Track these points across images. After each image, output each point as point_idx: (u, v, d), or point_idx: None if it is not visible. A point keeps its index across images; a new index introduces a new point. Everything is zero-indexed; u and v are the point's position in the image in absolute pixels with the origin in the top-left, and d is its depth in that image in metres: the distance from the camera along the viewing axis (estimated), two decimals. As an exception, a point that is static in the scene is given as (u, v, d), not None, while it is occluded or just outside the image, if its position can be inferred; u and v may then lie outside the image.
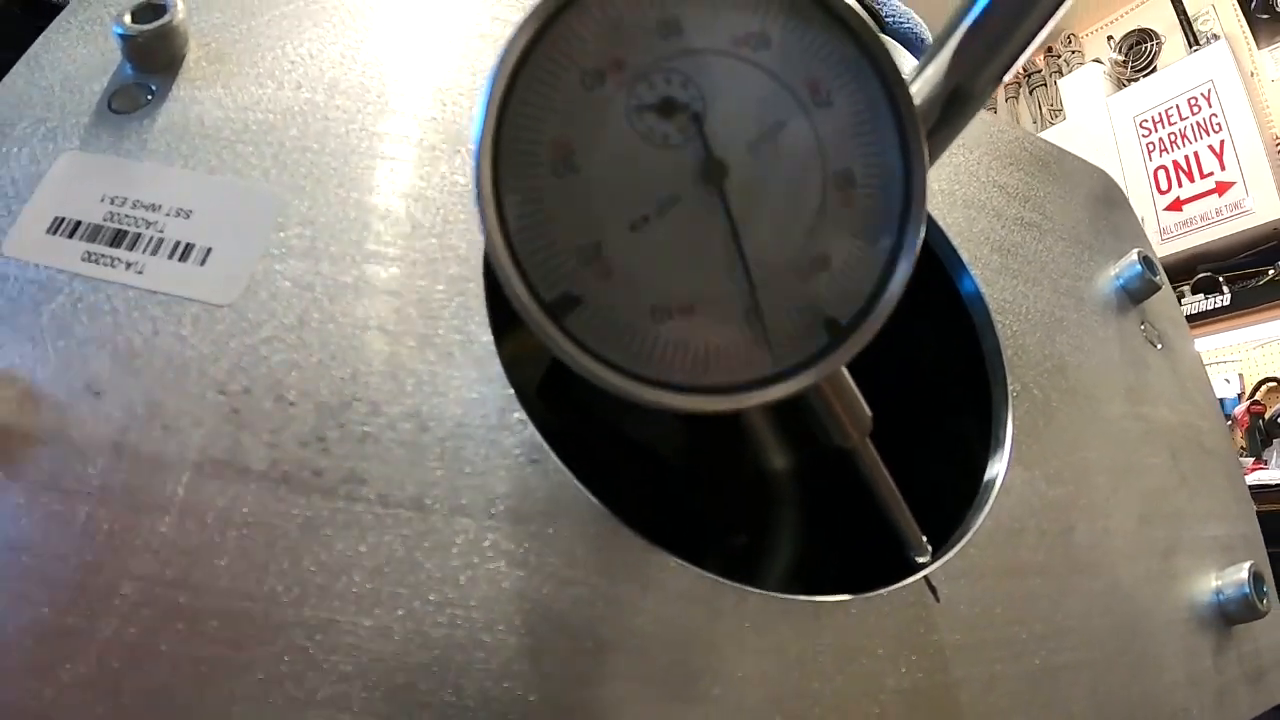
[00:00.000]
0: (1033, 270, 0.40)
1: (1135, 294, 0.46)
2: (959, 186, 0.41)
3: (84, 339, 0.21)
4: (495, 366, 0.22)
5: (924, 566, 0.25)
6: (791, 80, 0.18)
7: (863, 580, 0.25)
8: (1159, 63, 2.36)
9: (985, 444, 0.32)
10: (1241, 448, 1.76)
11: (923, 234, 0.19)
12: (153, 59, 0.25)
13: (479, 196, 0.16)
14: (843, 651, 0.22)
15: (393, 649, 0.18)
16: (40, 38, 0.26)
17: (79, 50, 0.26)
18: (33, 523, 0.18)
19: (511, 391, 0.21)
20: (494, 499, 0.20)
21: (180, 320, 0.21)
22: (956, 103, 0.23)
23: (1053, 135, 2.54)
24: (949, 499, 0.31)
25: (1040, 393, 0.35)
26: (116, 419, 0.20)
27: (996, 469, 0.30)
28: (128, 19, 0.25)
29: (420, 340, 0.22)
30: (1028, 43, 0.22)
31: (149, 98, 0.25)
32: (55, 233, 0.22)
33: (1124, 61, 2.44)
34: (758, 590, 0.21)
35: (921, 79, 0.22)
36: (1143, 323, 0.46)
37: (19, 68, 0.26)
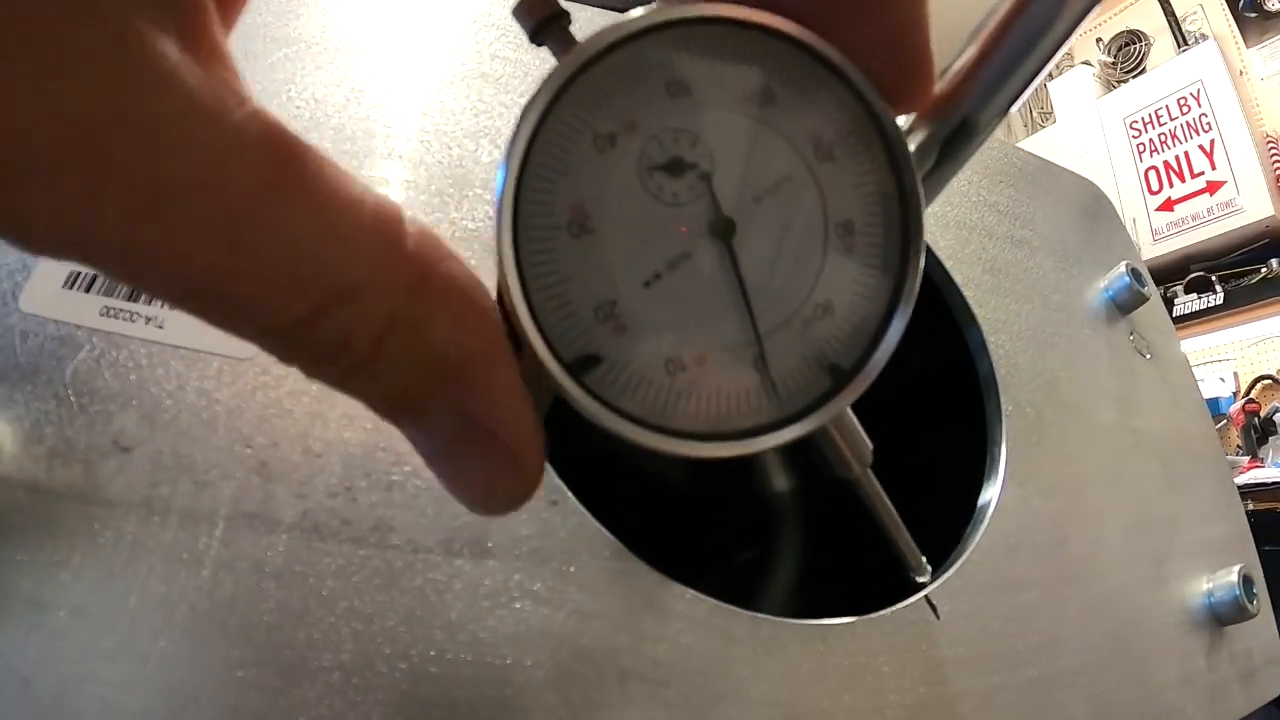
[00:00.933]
0: (1024, 289, 0.41)
1: (1124, 305, 0.47)
2: (951, 208, 0.42)
3: (109, 395, 0.21)
4: None
5: (924, 586, 0.26)
6: (795, 135, 0.20)
7: (866, 599, 0.26)
8: (1148, 64, 2.38)
9: (982, 463, 0.33)
10: (1238, 446, 1.78)
11: (919, 279, 0.20)
12: None
13: (500, 260, 0.17)
14: (850, 670, 0.23)
15: (428, 690, 0.19)
16: None
17: None
18: (65, 581, 0.19)
19: None
20: (518, 540, 0.21)
21: (204, 374, 0.22)
22: (962, 136, 0.24)
23: (1044, 138, 2.55)
24: (948, 519, 0.32)
25: (1033, 410, 0.36)
26: (146, 474, 0.20)
27: (991, 489, 0.31)
28: None
29: None
30: (1038, 73, 0.23)
31: None
32: (71, 287, 0.23)
33: (1113, 63, 2.46)
34: (769, 616, 0.22)
35: (927, 114, 0.23)
36: (1131, 333, 0.47)
37: None
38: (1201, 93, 2.13)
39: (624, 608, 0.21)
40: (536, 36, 0.20)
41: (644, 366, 0.18)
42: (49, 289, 0.22)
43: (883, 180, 0.20)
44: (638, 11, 0.18)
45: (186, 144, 0.11)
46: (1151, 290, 0.47)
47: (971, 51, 0.22)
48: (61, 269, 0.23)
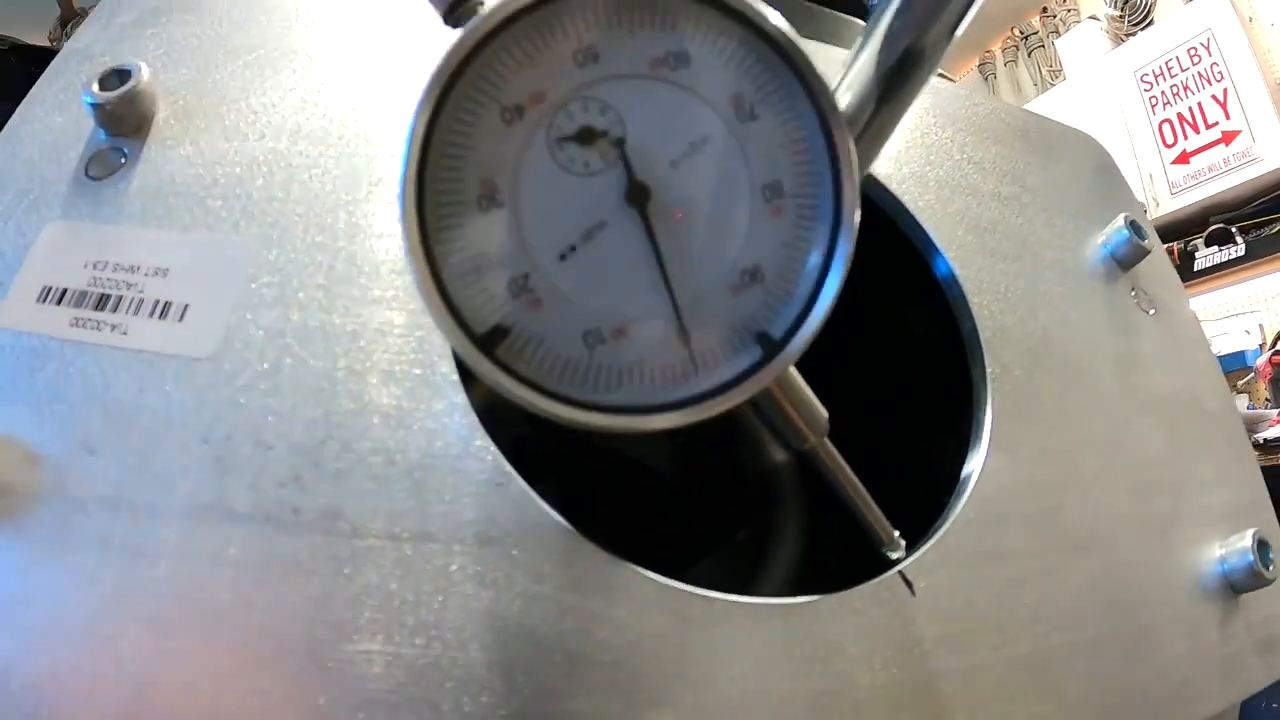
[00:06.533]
0: (1012, 246, 0.40)
1: (1124, 261, 0.45)
2: (931, 168, 0.41)
3: (77, 401, 0.22)
4: (459, 396, 0.22)
5: (897, 562, 0.25)
6: (713, 96, 0.18)
7: (860, 574, 0.25)
8: (1155, 15, 2.32)
9: (968, 431, 0.32)
10: (1266, 399, 1.73)
11: (854, 241, 0.19)
12: (123, 123, 0.26)
13: (406, 239, 0.17)
14: (814, 651, 0.22)
15: (375, 672, 0.19)
16: (18, 110, 0.27)
17: (54, 120, 0.27)
18: (38, 577, 0.19)
19: (475, 418, 0.22)
20: (461, 524, 0.20)
21: (163, 376, 0.22)
22: (907, 67, 0.22)
23: (1054, 96, 2.50)
24: (931, 492, 0.30)
25: (1021, 372, 0.35)
26: (111, 474, 0.21)
27: (976, 457, 0.30)
28: (95, 87, 0.25)
29: (384, 376, 0.23)
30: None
31: (122, 161, 0.26)
32: (44, 301, 0.23)
33: (1120, 16, 2.39)
34: (725, 596, 0.21)
35: (856, 65, 0.22)
36: (1133, 289, 0.45)
37: (0, 141, 0.27)
38: (1211, 42, 2.07)
39: (572, 590, 0.20)
40: (449, 17, 0.19)
41: (561, 339, 0.18)
42: (23, 304, 0.23)
43: (811, 136, 0.19)
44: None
45: None
46: (1154, 243, 0.45)
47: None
48: (34, 284, 0.24)
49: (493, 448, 0.21)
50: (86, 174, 0.26)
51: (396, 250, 0.25)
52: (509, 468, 0.21)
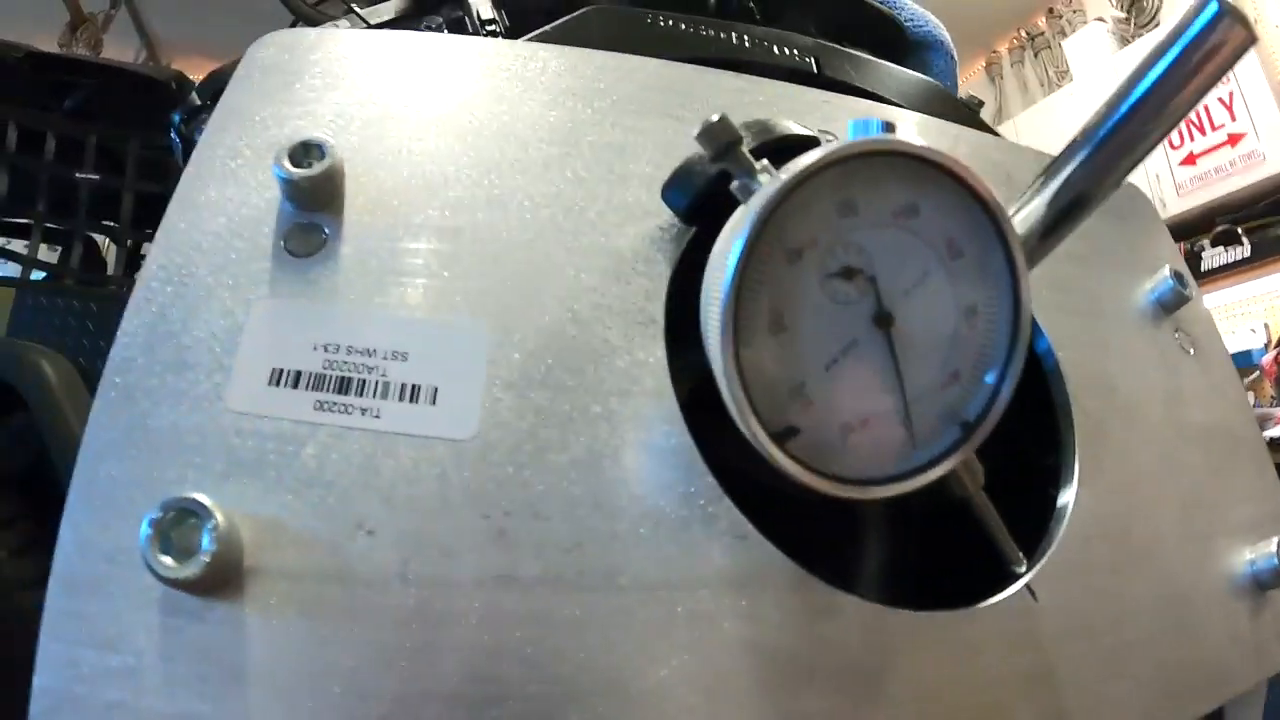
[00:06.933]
0: (1083, 302, 0.46)
1: (1168, 306, 0.51)
2: (1013, 229, 0.47)
3: (342, 483, 0.23)
4: (699, 464, 0.27)
5: (1020, 576, 0.31)
6: (933, 239, 0.25)
7: (960, 591, 0.31)
8: (1161, 16, 2.35)
9: (1053, 468, 0.39)
10: (1271, 397, 1.79)
11: (1025, 353, 0.25)
12: (317, 199, 0.26)
13: (724, 358, 0.23)
14: (976, 648, 0.28)
15: (674, 693, 0.23)
16: (185, 178, 0.27)
17: (230, 191, 0.27)
18: (338, 651, 0.21)
19: (713, 480, 0.27)
20: (720, 571, 0.25)
21: (433, 457, 0.23)
22: (1078, 206, 0.28)
23: (1061, 97, 2.53)
24: (1027, 520, 0.37)
25: (1096, 414, 0.41)
26: (395, 551, 0.22)
27: (1068, 490, 0.37)
28: (287, 163, 0.25)
29: (636, 449, 0.26)
30: (1153, 149, 0.27)
31: (324, 236, 0.26)
32: (278, 384, 0.24)
33: (1126, 18, 2.43)
34: (915, 612, 0.28)
35: (1031, 205, 0.28)
36: (1176, 331, 0.52)
37: (174, 209, 0.26)
38: (1221, 47, 2.11)
39: (807, 618, 0.26)
40: (717, 159, 0.25)
41: (827, 432, 0.24)
42: (254, 388, 0.24)
43: (999, 270, 0.25)
44: (818, 152, 0.23)
45: None
46: (1193, 291, 0.52)
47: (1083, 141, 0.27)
48: (262, 367, 0.24)
49: (734, 508, 0.26)
50: (286, 249, 0.26)
51: (622, 328, 0.28)
52: (748, 523, 0.26)
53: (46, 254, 0.94)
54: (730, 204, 0.25)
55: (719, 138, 0.24)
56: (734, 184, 0.25)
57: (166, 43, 2.98)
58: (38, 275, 0.89)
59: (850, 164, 0.23)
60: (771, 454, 0.23)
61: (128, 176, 0.88)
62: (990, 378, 0.25)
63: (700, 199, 0.29)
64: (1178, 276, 0.51)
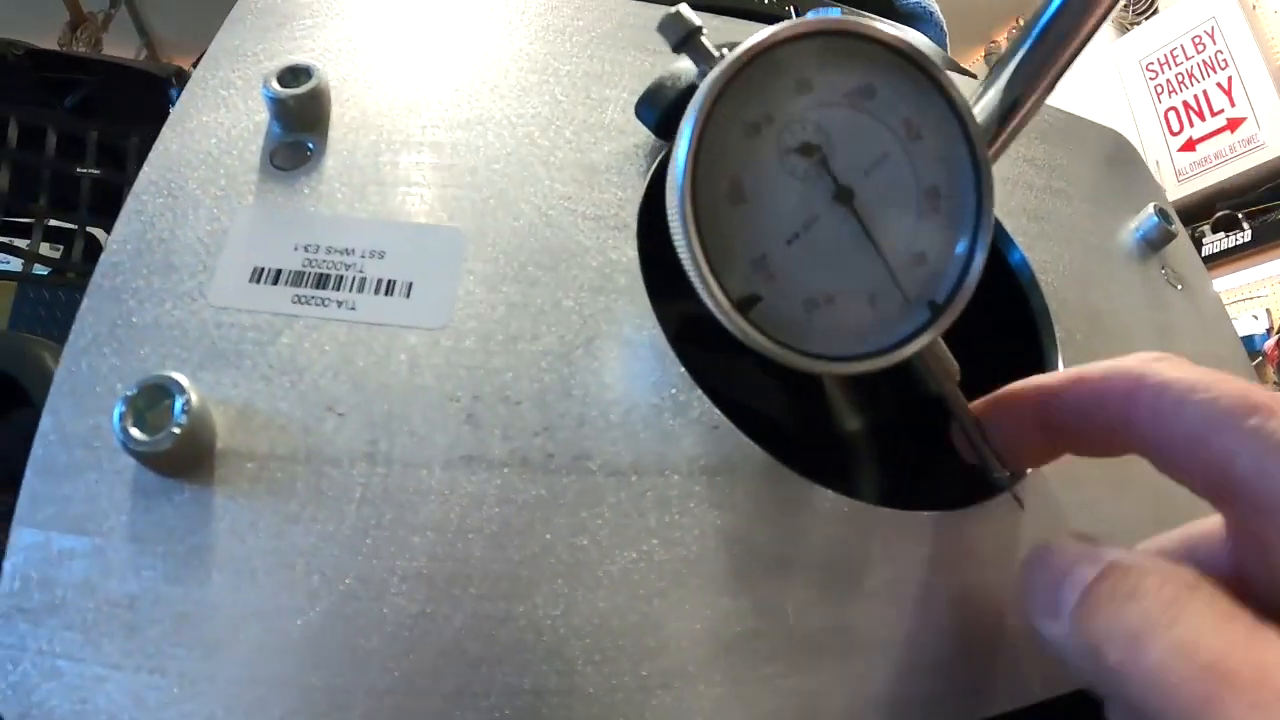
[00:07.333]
0: (1064, 232, 0.46)
1: (1155, 243, 0.51)
2: (997, 168, 0.47)
3: (315, 370, 0.23)
4: (670, 355, 0.27)
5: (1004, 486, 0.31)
6: (891, 122, 0.25)
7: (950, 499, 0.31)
8: (1160, 4, 2.36)
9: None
10: (1274, 382, 1.78)
11: (992, 228, 0.25)
12: (303, 118, 0.27)
13: (683, 222, 0.23)
14: (962, 550, 0.28)
15: (636, 579, 0.23)
16: (180, 104, 0.28)
17: (221, 116, 0.28)
18: (303, 530, 0.21)
19: (684, 371, 0.27)
20: (692, 459, 0.25)
21: (405, 344, 0.24)
22: (1015, 111, 0.29)
23: (1062, 85, 2.53)
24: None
25: (1082, 338, 0.41)
26: (364, 432, 0.23)
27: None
28: (275, 84, 0.27)
29: (609, 343, 0.26)
30: (1077, 55, 0.28)
31: (308, 153, 0.27)
32: (258, 281, 0.24)
33: (1125, 6, 2.44)
34: (893, 509, 0.28)
35: (986, 96, 0.29)
36: (1163, 267, 0.52)
37: (167, 133, 0.28)
38: (1215, 30, 2.12)
39: (782, 510, 0.26)
40: (679, 48, 0.25)
41: (789, 306, 0.24)
42: (236, 284, 0.24)
43: (959, 151, 0.25)
44: (773, 27, 0.23)
45: None
46: (1179, 228, 0.52)
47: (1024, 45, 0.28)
48: (244, 266, 0.25)
49: (705, 398, 0.27)
50: (273, 164, 0.27)
51: (594, 231, 0.29)
52: (720, 413, 0.27)
53: (48, 252, 0.95)
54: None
55: (679, 27, 0.25)
56: (697, 73, 0.25)
57: (166, 42, 2.99)
58: (40, 270, 0.91)
59: (804, 42, 0.24)
60: (734, 321, 0.23)
61: (129, 172, 0.90)
62: (960, 248, 0.25)
63: (671, 111, 0.30)
64: (1162, 213, 0.51)
